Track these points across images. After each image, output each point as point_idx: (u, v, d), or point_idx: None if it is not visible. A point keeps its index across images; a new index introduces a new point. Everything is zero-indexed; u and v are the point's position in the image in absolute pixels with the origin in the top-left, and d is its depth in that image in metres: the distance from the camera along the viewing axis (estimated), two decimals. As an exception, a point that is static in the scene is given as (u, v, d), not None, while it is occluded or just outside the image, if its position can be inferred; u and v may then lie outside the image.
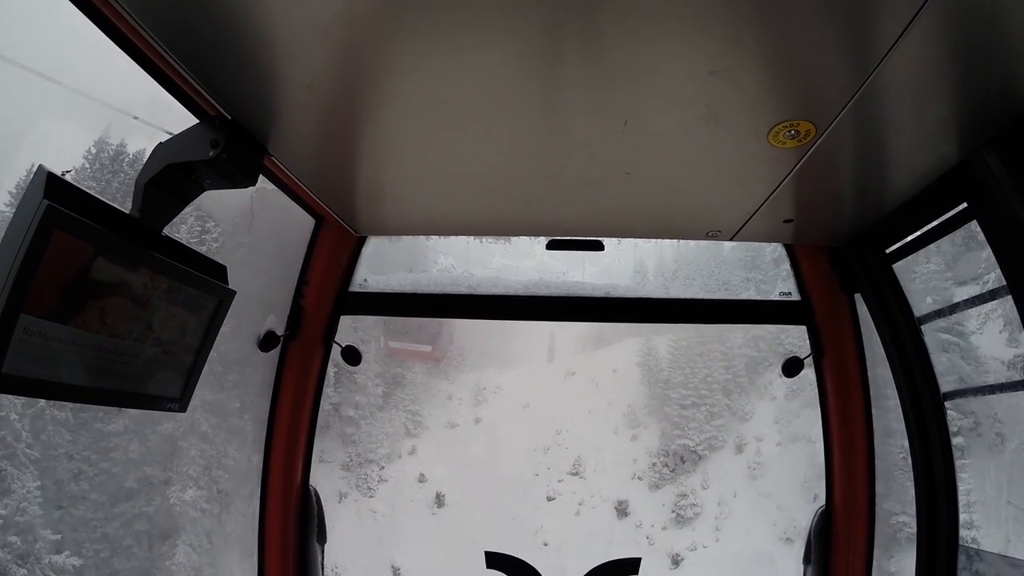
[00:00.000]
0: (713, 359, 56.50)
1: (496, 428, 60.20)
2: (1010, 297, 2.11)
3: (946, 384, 2.73)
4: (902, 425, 2.88)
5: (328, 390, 44.98)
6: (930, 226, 2.52)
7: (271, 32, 1.56)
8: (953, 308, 2.71)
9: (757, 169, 2.23)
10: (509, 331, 66.67)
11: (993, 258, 2.13)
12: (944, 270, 36.03)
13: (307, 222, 3.06)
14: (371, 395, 55.55)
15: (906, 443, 2.85)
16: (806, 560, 3.22)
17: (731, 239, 2.94)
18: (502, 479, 53.94)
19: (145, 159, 1.95)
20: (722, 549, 48.25)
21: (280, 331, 3.10)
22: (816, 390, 3.25)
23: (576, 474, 57.31)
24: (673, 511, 52.15)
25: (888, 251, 2.79)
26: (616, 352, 66.22)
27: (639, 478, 55.86)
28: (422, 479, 55.07)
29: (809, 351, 3.24)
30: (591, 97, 1.82)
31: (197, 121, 1.94)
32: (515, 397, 64.02)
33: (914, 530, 2.74)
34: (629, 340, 65.20)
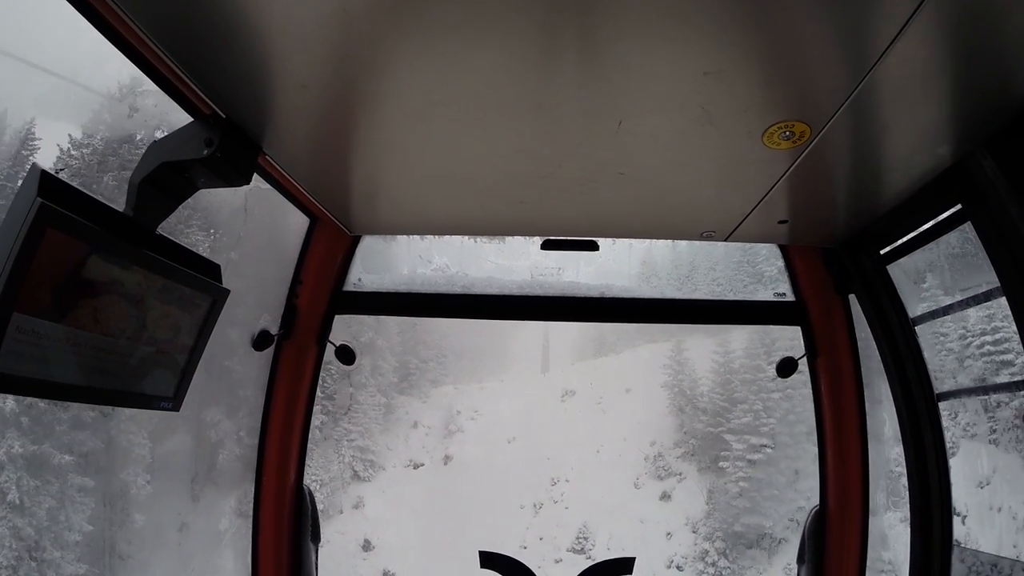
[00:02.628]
0: (796, 384, 31.95)
1: (471, 471, 45.96)
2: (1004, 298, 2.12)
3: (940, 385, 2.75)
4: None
5: (251, 420, 41.41)
6: (924, 227, 2.53)
7: (266, 31, 1.56)
8: (947, 309, 2.72)
9: (752, 170, 2.23)
10: (495, 335, 53.81)
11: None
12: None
13: (301, 221, 3.06)
14: (314, 421, 42.44)
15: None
16: (800, 560, 3.23)
17: (725, 240, 2.94)
18: (476, 552, 29.26)
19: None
20: None
21: (274, 330, 3.09)
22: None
23: (581, 551, 40.86)
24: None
25: (882, 252, 2.80)
26: (627, 363, 51.66)
27: (678, 567, 38.90)
28: (367, 547, 41.02)
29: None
30: (586, 98, 1.82)
31: (191, 120, 1.94)
32: (498, 425, 48.82)
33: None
34: (644, 348, 51.18)
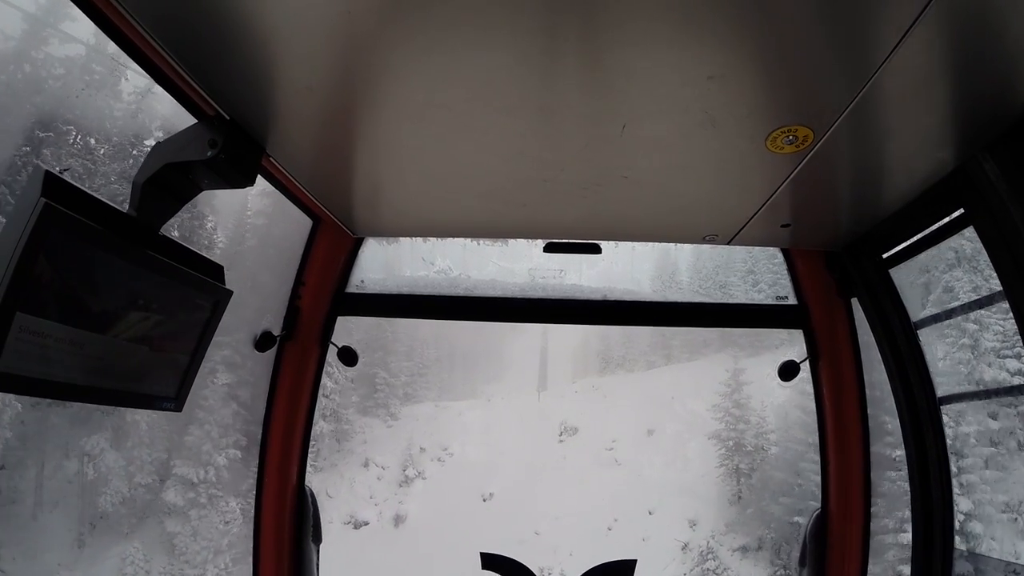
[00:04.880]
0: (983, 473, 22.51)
1: (428, 542, 33.10)
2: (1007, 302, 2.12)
3: (943, 388, 2.75)
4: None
5: (141, 452, 29.58)
6: (927, 231, 2.53)
7: (271, 33, 1.57)
8: (950, 313, 2.72)
9: (755, 174, 2.23)
10: (487, 347, 44.11)
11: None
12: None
13: (304, 223, 3.06)
14: (220, 460, 29.60)
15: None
16: (801, 563, 3.23)
17: (728, 243, 2.94)
18: None
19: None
20: None
21: (276, 331, 3.10)
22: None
23: None
24: None
25: (885, 256, 2.80)
26: (644, 390, 39.04)
27: None
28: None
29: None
30: (589, 101, 1.82)
31: (195, 121, 1.94)
32: (472, 472, 36.91)
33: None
34: (667, 370, 39.47)
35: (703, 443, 33.65)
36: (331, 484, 36.32)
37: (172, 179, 1.95)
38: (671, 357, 41.37)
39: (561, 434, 39.66)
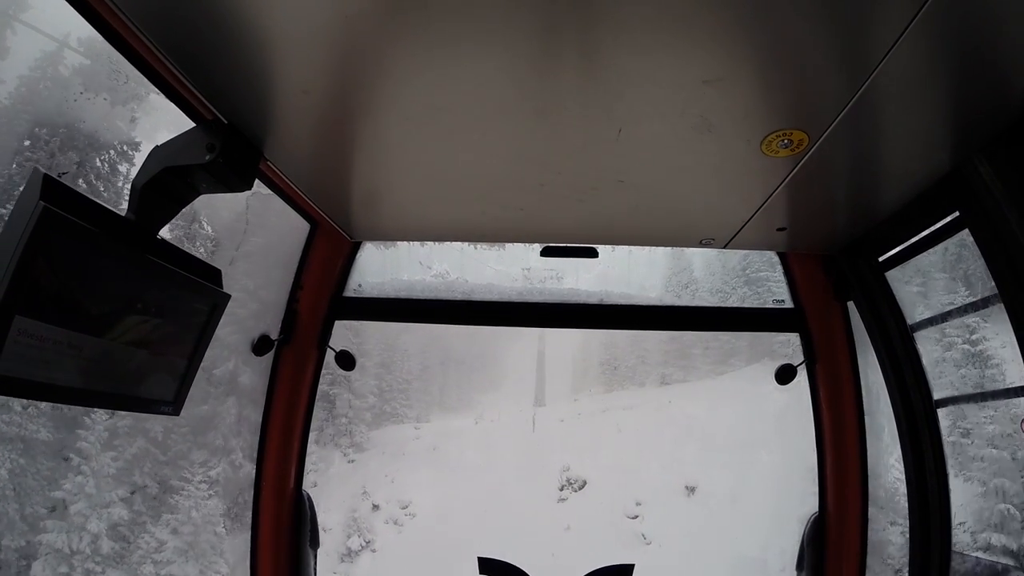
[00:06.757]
0: None
1: None
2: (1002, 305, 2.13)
3: (939, 391, 2.75)
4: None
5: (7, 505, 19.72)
6: (923, 234, 2.54)
7: (268, 37, 1.57)
8: (945, 316, 2.73)
9: (750, 178, 2.24)
10: (472, 363, 37.20)
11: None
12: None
13: (302, 226, 3.07)
14: (94, 526, 21.64)
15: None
16: (799, 567, 3.23)
17: (724, 247, 2.95)
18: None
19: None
20: None
21: (274, 335, 3.10)
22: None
23: None
24: None
25: (881, 259, 2.81)
26: (663, 414, 30.60)
27: None
28: None
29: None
30: (586, 105, 1.83)
31: (194, 125, 1.95)
32: (438, 549, 26.50)
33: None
34: (688, 387, 31.73)
35: (775, 510, 23.59)
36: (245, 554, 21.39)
37: (170, 183, 1.95)
38: (691, 368, 33.83)
39: (563, 488, 29.82)
